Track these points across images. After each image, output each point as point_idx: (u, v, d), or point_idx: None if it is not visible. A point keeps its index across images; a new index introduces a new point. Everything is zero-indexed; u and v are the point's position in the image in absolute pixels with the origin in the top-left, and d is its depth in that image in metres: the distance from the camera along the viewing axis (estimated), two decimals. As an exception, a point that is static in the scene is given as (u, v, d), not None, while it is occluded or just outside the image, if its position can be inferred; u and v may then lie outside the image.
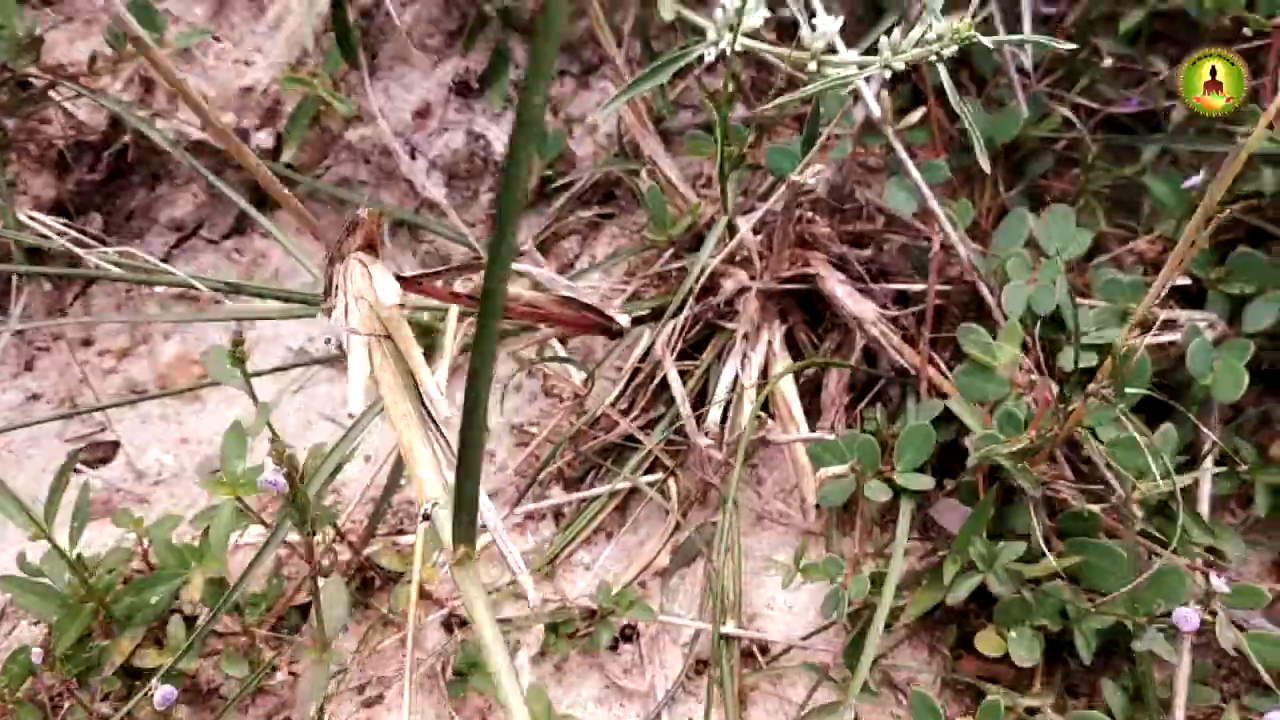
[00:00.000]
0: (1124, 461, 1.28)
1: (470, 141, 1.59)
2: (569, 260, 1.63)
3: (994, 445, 1.27)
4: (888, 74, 1.20)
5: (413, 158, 1.61)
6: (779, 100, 1.22)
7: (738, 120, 1.66)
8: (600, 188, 1.63)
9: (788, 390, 1.49)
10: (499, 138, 1.59)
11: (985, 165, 1.23)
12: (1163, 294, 1.52)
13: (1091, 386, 1.22)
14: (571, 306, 1.30)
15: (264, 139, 1.60)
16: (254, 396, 1.21)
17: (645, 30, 1.56)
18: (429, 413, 0.91)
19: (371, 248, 1.02)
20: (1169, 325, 1.49)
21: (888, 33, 1.21)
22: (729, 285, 1.50)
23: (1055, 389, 1.38)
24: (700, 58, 1.40)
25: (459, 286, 1.34)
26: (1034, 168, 1.65)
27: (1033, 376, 1.35)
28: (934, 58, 1.14)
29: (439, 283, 1.18)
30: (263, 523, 1.29)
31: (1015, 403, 1.33)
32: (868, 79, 1.36)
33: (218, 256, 1.68)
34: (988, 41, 1.11)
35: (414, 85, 1.59)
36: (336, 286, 1.00)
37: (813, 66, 1.29)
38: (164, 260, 1.66)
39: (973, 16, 1.54)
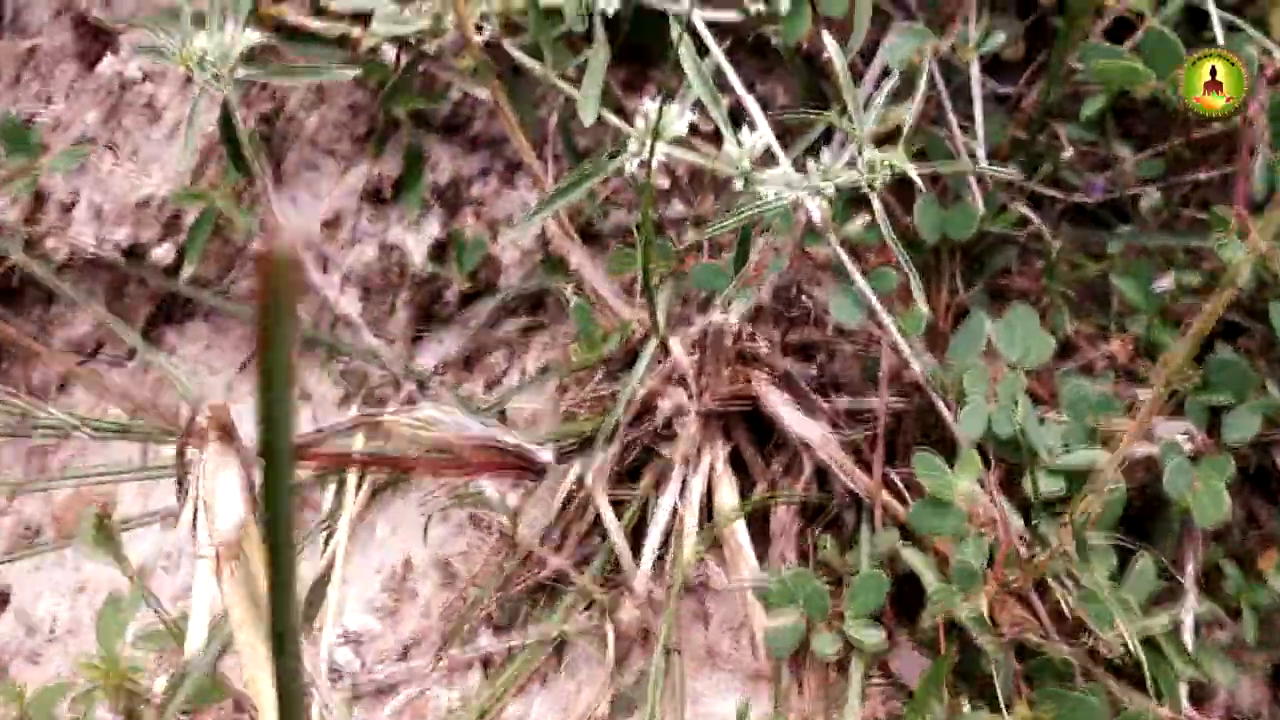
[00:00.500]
0: (1096, 612, 1.16)
1: (384, 254, 1.47)
2: (496, 376, 1.51)
3: (951, 599, 1.15)
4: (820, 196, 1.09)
5: (324, 270, 1.49)
6: (707, 231, 1.11)
7: (674, 219, 1.54)
8: (529, 294, 1.52)
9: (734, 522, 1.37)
10: (416, 247, 1.48)
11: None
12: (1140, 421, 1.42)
13: (1054, 540, 1.11)
14: (487, 449, 1.19)
15: (164, 253, 1.49)
16: (128, 574, 1.09)
17: (569, 128, 1.45)
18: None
19: (226, 435, 0.89)
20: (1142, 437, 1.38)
21: (816, 150, 1.09)
22: (665, 406, 1.38)
23: (1018, 525, 1.27)
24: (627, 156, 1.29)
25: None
26: (995, 261, 1.53)
27: (994, 513, 1.23)
28: (867, 188, 1.02)
29: (324, 445, 1.06)
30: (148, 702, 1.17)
31: (975, 545, 1.22)
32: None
33: (124, 376, 1.56)
34: (915, 174, 1.00)
35: (322, 193, 1.48)
36: (184, 488, 0.87)
37: (739, 185, 1.17)
38: (62, 385, 1.54)
39: (924, 101, 1.44)
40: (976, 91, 1.38)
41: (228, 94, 1.29)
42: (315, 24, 1.34)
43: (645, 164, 1.20)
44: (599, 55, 1.35)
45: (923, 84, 1.35)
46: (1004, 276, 1.55)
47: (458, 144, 1.52)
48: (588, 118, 1.32)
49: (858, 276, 1.32)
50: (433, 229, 1.48)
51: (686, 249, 1.43)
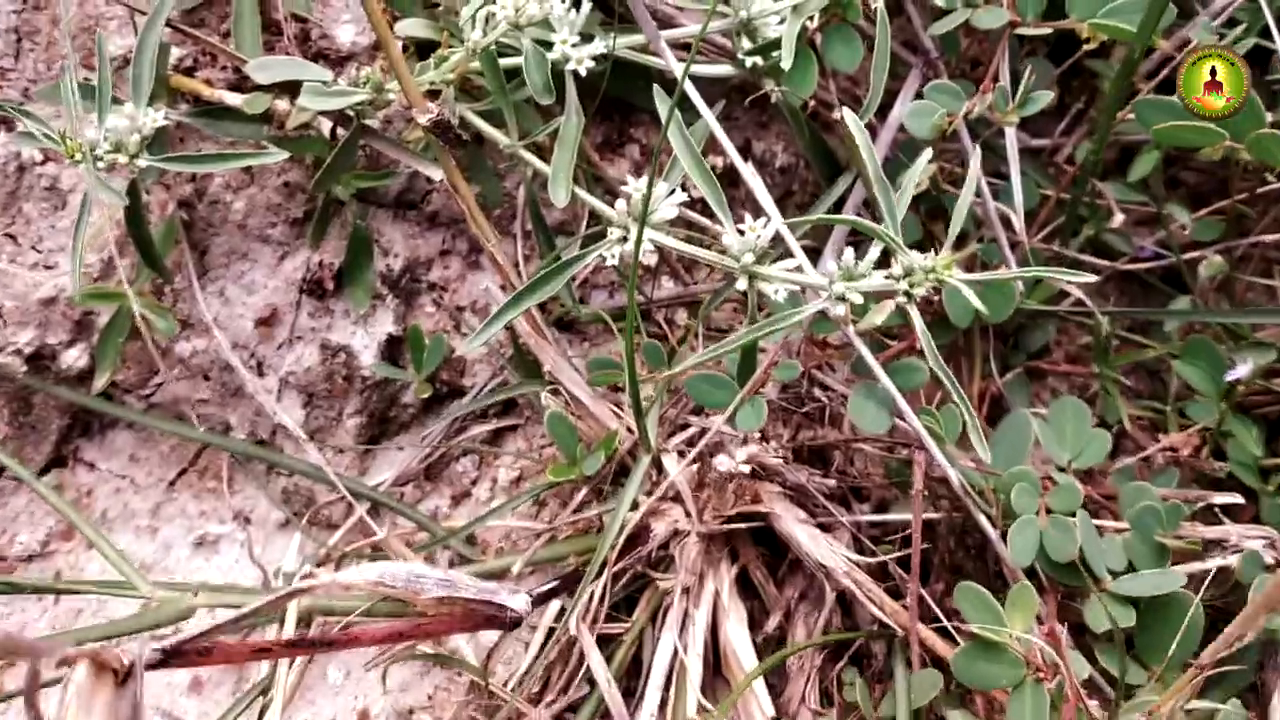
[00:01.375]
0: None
1: (328, 356, 1.27)
2: (464, 488, 1.31)
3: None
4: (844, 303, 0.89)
5: (260, 374, 1.29)
6: (705, 354, 0.91)
7: (666, 300, 1.35)
8: (501, 391, 1.32)
9: (744, 655, 1.17)
10: (365, 346, 1.27)
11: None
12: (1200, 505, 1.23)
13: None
14: (449, 602, 0.99)
15: (75, 357, 1.28)
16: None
17: (538, 201, 1.25)
18: None
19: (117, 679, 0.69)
20: (1216, 545, 1.18)
21: (847, 253, 0.90)
22: (660, 529, 1.18)
23: (1082, 669, 1.07)
24: (605, 238, 1.09)
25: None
26: (1033, 339, 1.34)
27: (1053, 652, 1.04)
28: (902, 297, 0.83)
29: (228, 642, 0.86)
30: None
31: (1034, 698, 1.02)
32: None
33: (32, 498, 1.35)
34: (970, 293, 0.81)
35: (256, 286, 1.27)
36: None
37: (742, 284, 0.98)
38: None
39: (932, 161, 1.24)
40: (1013, 154, 1.19)
41: (134, 182, 1.09)
42: (235, 98, 1.14)
43: (630, 266, 1.00)
44: (571, 123, 1.15)
45: (973, 164, 1.15)
46: (1044, 355, 1.36)
47: (412, 222, 1.32)
48: (559, 198, 1.12)
49: (883, 376, 1.12)
50: (385, 324, 1.28)
51: (680, 339, 1.23)
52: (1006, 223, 1.26)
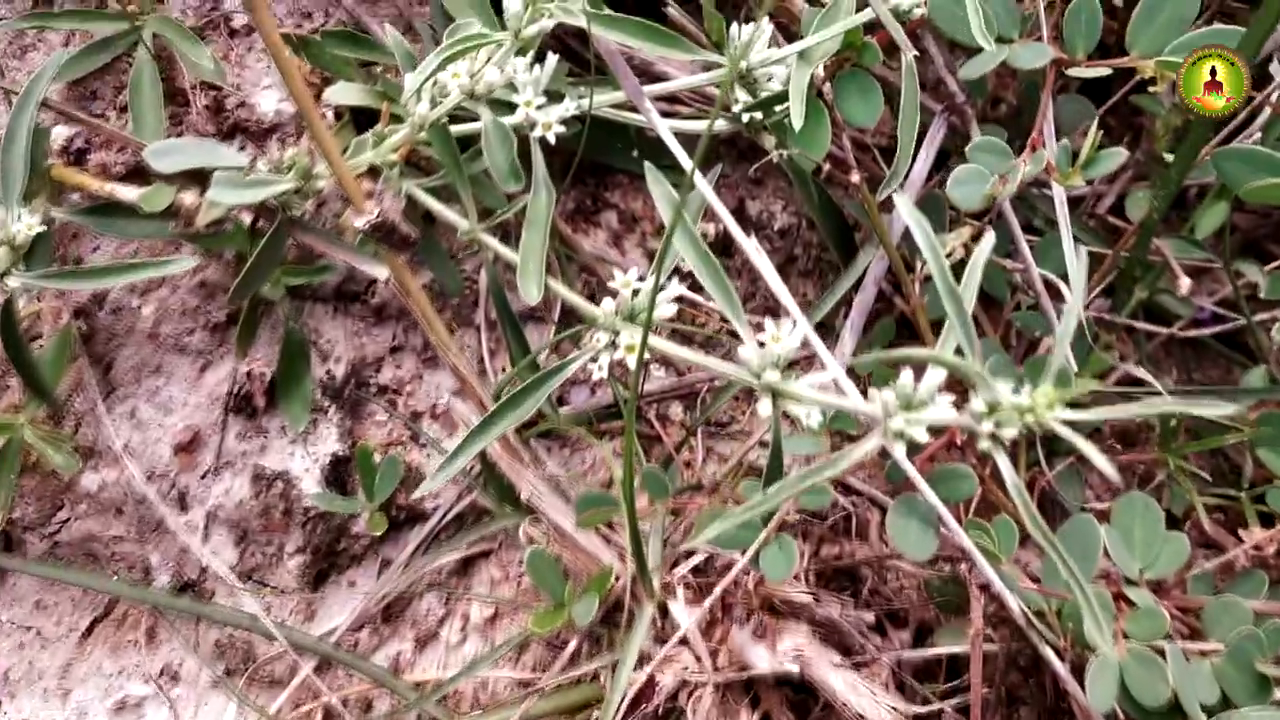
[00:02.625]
0: None
1: (262, 486, 1.07)
2: (430, 629, 1.11)
3: None
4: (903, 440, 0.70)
5: (183, 508, 1.08)
6: (732, 519, 0.72)
7: (657, 394, 1.16)
8: (469, 514, 1.12)
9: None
10: (306, 470, 1.08)
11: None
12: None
13: None
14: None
15: (-37, 496, 1.07)
16: None
17: (503, 295, 1.06)
18: None
19: None
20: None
21: (904, 377, 0.71)
22: (668, 681, 0.99)
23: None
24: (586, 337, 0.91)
25: None
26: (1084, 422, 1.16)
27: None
28: (987, 440, 0.64)
29: None
30: None
31: None
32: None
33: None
34: (1066, 433, 0.63)
35: (173, 404, 1.07)
36: None
37: (765, 409, 0.79)
38: None
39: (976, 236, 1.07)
40: (1062, 213, 1.01)
41: (8, 302, 0.89)
42: (131, 192, 0.93)
43: (628, 396, 0.81)
44: (541, 199, 0.96)
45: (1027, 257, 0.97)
46: (1095, 436, 1.18)
47: (356, 317, 1.12)
48: (531, 295, 0.93)
49: (925, 487, 0.94)
50: (328, 442, 1.08)
51: (678, 443, 1.04)
52: (1052, 289, 1.09)
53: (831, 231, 1.13)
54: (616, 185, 1.21)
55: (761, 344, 0.80)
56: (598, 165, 1.19)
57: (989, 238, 0.76)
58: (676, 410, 1.18)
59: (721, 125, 1.05)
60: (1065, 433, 0.61)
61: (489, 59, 0.86)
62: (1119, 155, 0.92)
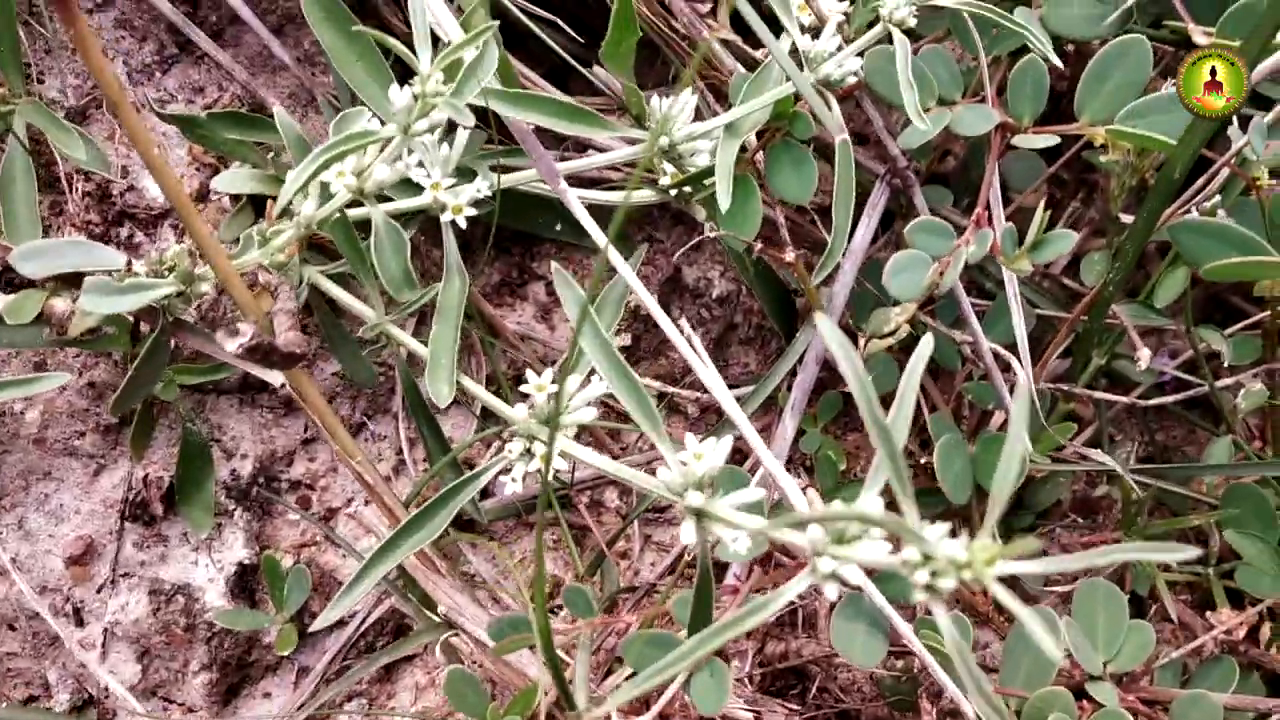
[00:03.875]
0: None
1: (161, 602, 0.99)
2: (353, 745, 1.03)
3: None
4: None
5: (79, 623, 1.00)
6: (645, 680, 0.65)
7: (589, 481, 1.09)
8: (389, 618, 1.05)
9: None
10: (210, 581, 1.00)
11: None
12: None
13: None
14: None
15: None
16: None
17: (416, 389, 0.98)
18: None
19: None
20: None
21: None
22: (603, 803, 0.92)
23: None
24: (503, 441, 0.84)
25: None
26: (1041, 494, 1.10)
27: None
28: (921, 593, 0.58)
29: None
30: None
31: None
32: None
33: None
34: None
35: (65, 512, 0.99)
36: None
37: (688, 534, 0.72)
38: None
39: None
40: (1013, 297, 0.94)
41: None
42: (-3, 299, 0.86)
43: (542, 500, 0.74)
44: (454, 288, 0.89)
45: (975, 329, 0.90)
46: (1052, 514, 1.13)
47: (264, 408, 1.04)
48: (441, 396, 0.86)
49: (872, 590, 0.87)
50: (234, 549, 1.01)
51: (610, 537, 0.97)
52: (1002, 363, 1.02)
53: (771, 303, 1.07)
54: (544, 255, 1.14)
55: (684, 463, 0.73)
56: (522, 233, 1.12)
57: (926, 343, 0.69)
58: (612, 496, 1.11)
59: (648, 196, 0.99)
60: (1004, 597, 0.54)
61: (380, 152, 0.79)
62: (1068, 238, 0.85)
